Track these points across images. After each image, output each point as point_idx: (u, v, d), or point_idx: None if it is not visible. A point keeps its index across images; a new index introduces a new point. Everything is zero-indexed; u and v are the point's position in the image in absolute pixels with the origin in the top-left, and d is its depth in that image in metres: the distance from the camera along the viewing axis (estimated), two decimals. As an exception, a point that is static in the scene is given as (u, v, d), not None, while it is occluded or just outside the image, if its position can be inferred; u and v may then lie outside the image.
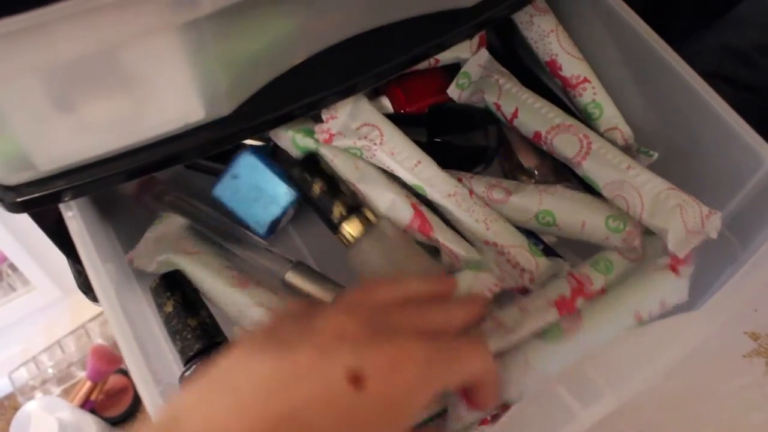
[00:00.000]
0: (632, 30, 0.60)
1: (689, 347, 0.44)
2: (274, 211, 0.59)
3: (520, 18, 0.65)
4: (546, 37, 0.64)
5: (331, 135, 0.57)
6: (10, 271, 1.33)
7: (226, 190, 0.59)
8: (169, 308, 0.55)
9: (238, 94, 0.50)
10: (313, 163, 0.57)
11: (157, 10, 0.39)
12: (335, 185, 0.57)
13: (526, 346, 0.50)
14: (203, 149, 0.51)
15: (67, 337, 1.43)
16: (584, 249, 0.59)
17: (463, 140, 0.62)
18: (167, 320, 0.55)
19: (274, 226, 0.60)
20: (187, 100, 0.47)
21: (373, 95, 0.66)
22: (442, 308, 0.43)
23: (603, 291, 0.54)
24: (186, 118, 0.49)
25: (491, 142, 0.62)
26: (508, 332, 0.50)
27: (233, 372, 0.37)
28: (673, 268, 0.54)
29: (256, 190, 0.58)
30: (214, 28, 0.43)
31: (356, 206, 0.56)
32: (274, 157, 0.62)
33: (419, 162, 0.57)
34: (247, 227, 0.60)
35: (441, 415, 0.50)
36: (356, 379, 0.35)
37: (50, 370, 1.41)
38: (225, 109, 0.50)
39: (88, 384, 1.38)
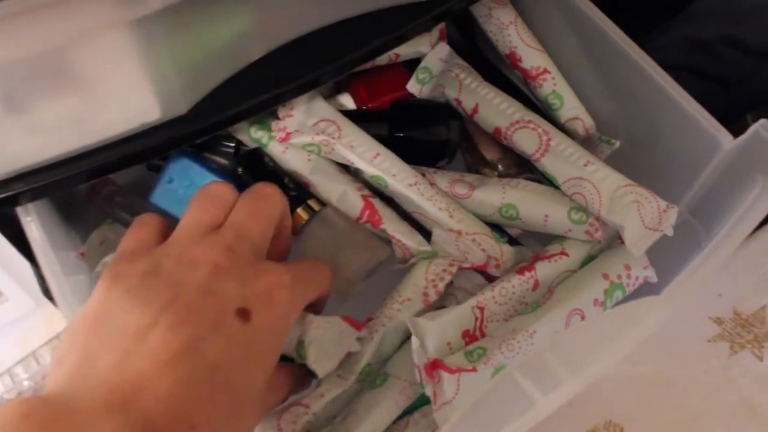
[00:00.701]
0: (590, 20, 0.61)
1: (648, 332, 0.44)
2: None
3: (479, 11, 0.66)
4: (505, 29, 0.64)
5: (288, 133, 0.57)
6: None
7: (163, 197, 0.59)
8: None
9: (194, 92, 0.50)
10: (253, 158, 0.57)
11: (104, 7, 0.39)
12: (278, 179, 0.57)
13: (510, 321, 0.53)
14: (162, 148, 0.51)
15: (42, 348, 1.41)
16: (550, 241, 0.60)
17: (425, 135, 0.62)
18: None
19: None
20: (142, 99, 0.47)
21: (335, 92, 0.66)
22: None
23: (563, 253, 0.57)
24: (142, 117, 0.48)
25: (453, 136, 0.62)
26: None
27: (121, 317, 0.38)
28: (621, 240, 0.56)
29: (193, 190, 0.58)
30: (165, 25, 0.43)
31: (301, 198, 0.57)
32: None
33: (378, 154, 0.57)
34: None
35: (423, 404, 0.51)
36: (243, 313, 0.39)
37: (26, 383, 1.39)
38: (182, 107, 0.49)
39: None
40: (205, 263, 0.40)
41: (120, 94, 0.46)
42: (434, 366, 0.48)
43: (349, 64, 0.54)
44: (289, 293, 0.42)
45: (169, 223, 0.55)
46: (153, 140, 0.49)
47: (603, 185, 0.56)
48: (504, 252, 0.57)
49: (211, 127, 0.51)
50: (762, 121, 0.54)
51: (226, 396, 0.37)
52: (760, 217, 0.54)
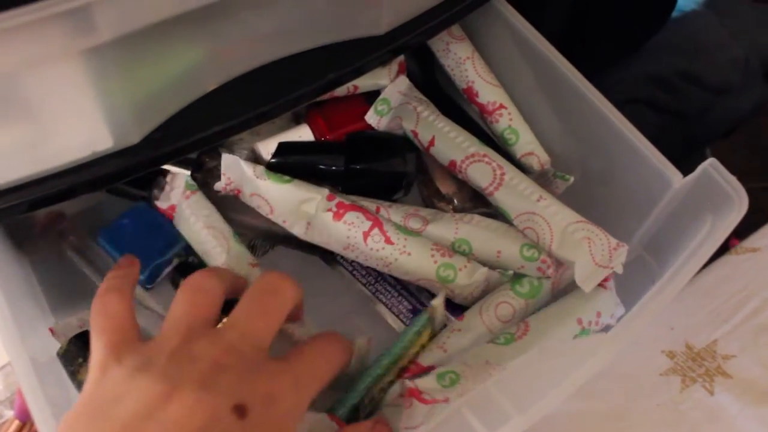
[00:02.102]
0: (545, 58, 0.61)
1: (596, 369, 0.44)
2: (157, 259, 0.59)
3: (437, 45, 0.66)
4: (462, 64, 0.65)
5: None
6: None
7: (111, 238, 0.58)
8: (83, 375, 0.50)
9: (147, 122, 0.49)
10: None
11: (54, 36, 0.39)
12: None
13: (484, 351, 0.53)
14: (112, 178, 0.50)
15: (-6, 373, 1.39)
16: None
17: (381, 167, 0.62)
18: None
19: (156, 275, 0.59)
20: (93, 128, 0.47)
21: (294, 123, 0.66)
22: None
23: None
24: (93, 146, 0.48)
25: (409, 168, 0.62)
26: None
27: (116, 403, 0.38)
28: (601, 284, 0.56)
29: (141, 238, 0.58)
30: (117, 56, 0.43)
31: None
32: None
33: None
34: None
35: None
36: (240, 410, 0.38)
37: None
38: (134, 137, 0.49)
39: (16, 423, 1.34)
40: (205, 359, 0.39)
41: (70, 123, 0.46)
42: (410, 393, 0.48)
43: (304, 97, 0.55)
44: (291, 396, 0.41)
45: (110, 262, 0.55)
46: (103, 169, 0.49)
47: (554, 220, 0.56)
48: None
49: (163, 157, 0.51)
50: (711, 160, 0.55)
51: None
52: (710, 254, 0.54)
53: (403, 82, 0.65)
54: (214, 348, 0.40)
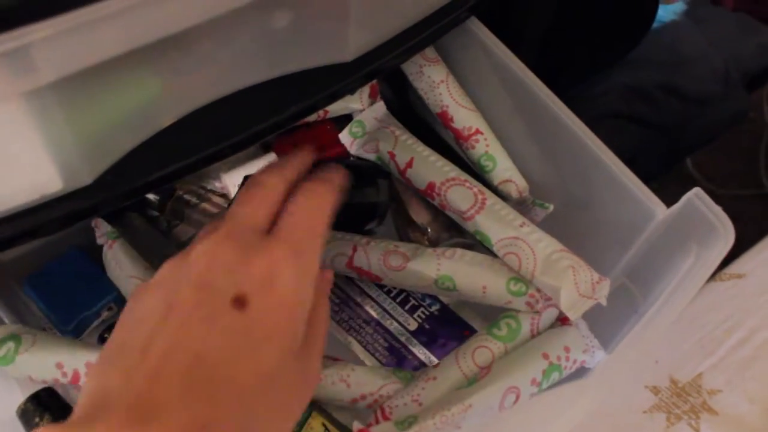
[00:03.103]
0: (521, 81, 0.59)
1: (578, 417, 0.42)
2: (84, 312, 0.56)
3: (410, 68, 0.64)
4: (436, 87, 0.63)
5: None
6: None
7: (38, 286, 0.56)
8: None
9: (99, 162, 0.46)
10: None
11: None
12: None
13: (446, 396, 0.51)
14: (64, 221, 0.47)
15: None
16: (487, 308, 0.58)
17: (354, 197, 0.59)
18: None
19: (83, 328, 0.57)
20: (39, 170, 0.44)
21: (263, 151, 0.63)
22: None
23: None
24: (42, 189, 0.45)
25: (382, 197, 0.60)
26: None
27: (134, 330, 0.39)
28: (563, 321, 0.54)
29: (70, 288, 0.55)
30: (61, 96, 0.40)
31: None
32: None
33: None
34: (56, 324, 0.57)
35: None
36: (239, 302, 0.38)
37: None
38: (86, 178, 0.46)
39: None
40: (200, 258, 0.41)
41: (15, 166, 0.43)
42: None
43: (268, 130, 0.52)
44: (293, 267, 0.41)
45: (36, 311, 0.52)
46: (54, 212, 0.46)
47: (538, 247, 0.54)
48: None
49: (118, 198, 0.48)
50: (695, 189, 0.53)
51: (228, 391, 0.36)
52: (697, 287, 0.53)
53: (381, 108, 0.63)
54: (209, 243, 0.40)
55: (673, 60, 1.14)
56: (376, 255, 0.57)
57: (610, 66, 1.11)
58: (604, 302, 0.53)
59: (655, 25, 1.10)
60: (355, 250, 0.57)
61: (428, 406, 0.50)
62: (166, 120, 0.48)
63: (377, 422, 0.50)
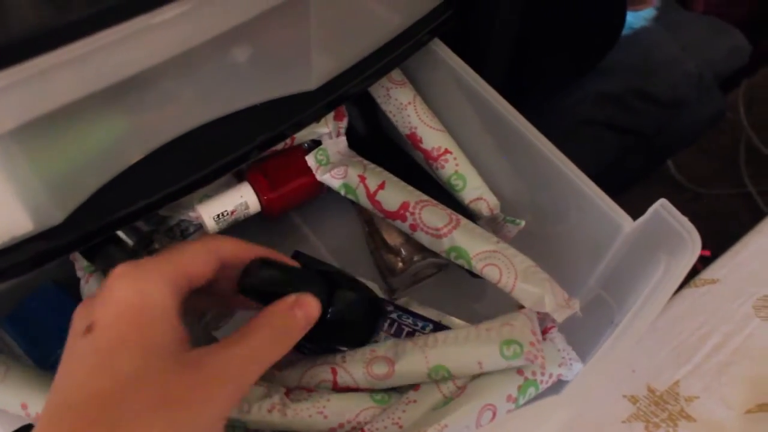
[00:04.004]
0: (486, 101, 0.60)
1: (559, 428, 0.42)
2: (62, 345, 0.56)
3: (377, 91, 0.64)
4: (404, 109, 0.63)
5: None
6: None
7: (16, 322, 0.56)
8: None
9: (68, 201, 0.47)
10: None
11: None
12: None
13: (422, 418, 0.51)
14: (35, 261, 0.47)
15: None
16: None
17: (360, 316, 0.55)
18: None
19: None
20: (8, 212, 0.44)
21: (236, 180, 0.64)
22: None
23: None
24: (11, 231, 0.45)
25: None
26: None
27: None
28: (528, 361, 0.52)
29: (48, 322, 0.56)
30: (23, 141, 0.40)
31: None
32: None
33: None
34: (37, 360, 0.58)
35: None
36: (88, 328, 0.40)
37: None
38: (57, 217, 0.47)
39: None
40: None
41: (-17, 211, 0.43)
42: None
43: (236, 161, 0.52)
44: (128, 276, 0.41)
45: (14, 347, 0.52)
46: (25, 253, 0.46)
47: (516, 260, 0.54)
48: None
49: (88, 236, 0.48)
50: (661, 200, 0.53)
51: (93, 404, 0.37)
52: (668, 295, 0.53)
53: (342, 143, 0.63)
54: None
55: (645, 65, 1.15)
56: (359, 369, 0.54)
57: (583, 74, 1.12)
58: (579, 315, 0.54)
59: (625, 31, 1.11)
60: (335, 372, 0.54)
61: (408, 428, 0.50)
62: (134, 157, 0.49)
63: None
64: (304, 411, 0.51)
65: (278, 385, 0.53)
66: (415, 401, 0.52)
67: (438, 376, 0.52)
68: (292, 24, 0.48)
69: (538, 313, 0.54)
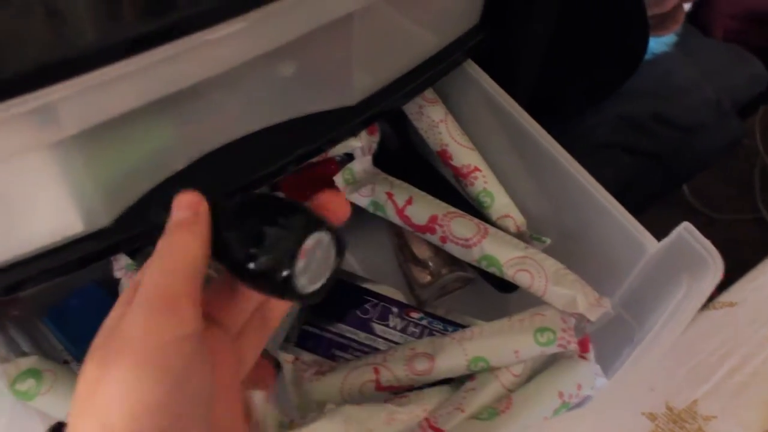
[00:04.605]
0: (516, 121, 0.61)
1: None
2: None
3: (410, 108, 0.66)
4: (435, 127, 0.65)
5: None
6: None
7: (58, 319, 0.57)
8: None
9: (117, 205, 0.49)
10: None
11: (21, 132, 0.38)
12: None
13: (469, 427, 0.53)
14: (84, 261, 0.49)
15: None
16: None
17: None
18: None
19: None
20: (62, 214, 0.46)
21: (270, 190, 0.65)
22: None
23: None
24: (63, 231, 0.47)
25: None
26: None
27: None
28: (581, 355, 0.56)
29: (88, 321, 0.57)
30: (82, 146, 0.42)
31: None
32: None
33: None
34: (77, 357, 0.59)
35: None
36: None
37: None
38: (104, 220, 0.49)
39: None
40: None
41: (39, 210, 0.45)
42: None
43: (274, 173, 0.54)
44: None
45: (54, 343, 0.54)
46: (74, 253, 0.48)
47: (546, 264, 0.57)
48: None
49: (134, 239, 0.50)
50: (684, 224, 0.55)
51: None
52: (689, 317, 0.54)
53: (367, 161, 0.64)
54: None
55: (665, 91, 1.16)
56: (400, 367, 0.57)
57: (604, 98, 1.13)
58: (611, 311, 0.56)
59: (647, 57, 1.12)
60: (377, 371, 0.57)
61: (471, 412, 0.53)
62: (179, 164, 0.50)
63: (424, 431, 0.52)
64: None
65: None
66: (474, 389, 0.54)
67: (477, 368, 0.56)
68: (336, 41, 0.50)
69: (572, 313, 0.56)
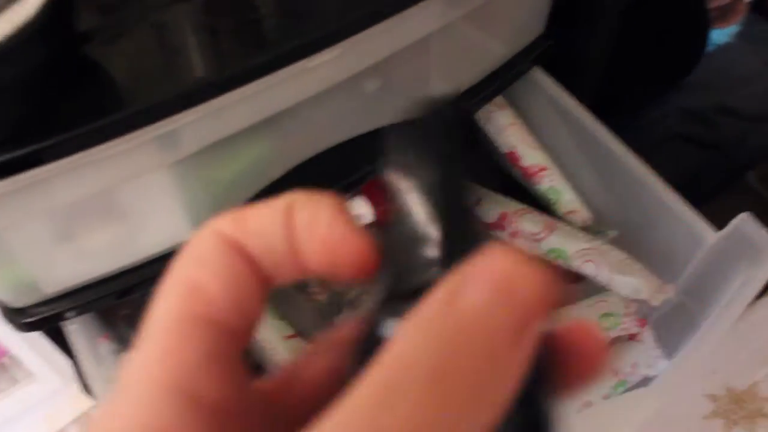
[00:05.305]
0: (582, 123, 0.66)
1: (640, 423, 0.48)
2: None
3: (480, 114, 0.71)
4: (505, 130, 0.70)
5: None
6: (10, 362, 1.35)
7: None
8: None
9: (221, 211, 0.54)
10: None
11: (147, 155, 0.44)
12: None
13: None
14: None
15: (70, 426, 1.45)
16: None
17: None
18: None
19: None
20: (176, 223, 0.52)
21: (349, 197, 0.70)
22: None
23: None
24: (175, 238, 0.53)
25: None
26: None
27: None
28: (631, 337, 0.60)
29: None
30: (196, 162, 0.48)
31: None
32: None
33: None
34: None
35: None
36: None
37: (54, 458, 1.42)
38: (211, 225, 0.54)
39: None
40: None
41: (157, 221, 0.51)
42: None
43: (359, 180, 0.59)
44: None
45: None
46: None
47: (611, 255, 0.61)
48: None
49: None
50: (743, 215, 0.58)
51: None
52: (745, 303, 0.58)
53: None
54: None
55: (727, 81, 1.18)
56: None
57: (668, 90, 1.15)
58: (674, 298, 0.60)
59: (709, 48, 1.14)
60: None
61: None
62: (276, 172, 0.56)
63: None
64: None
65: None
66: None
67: None
68: (415, 58, 0.55)
69: (635, 300, 0.60)
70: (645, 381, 0.60)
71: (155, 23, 0.45)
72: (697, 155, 1.17)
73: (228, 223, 0.22)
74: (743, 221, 0.59)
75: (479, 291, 0.16)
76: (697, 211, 0.61)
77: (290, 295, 0.65)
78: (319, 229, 0.19)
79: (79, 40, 0.43)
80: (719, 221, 0.60)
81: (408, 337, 0.16)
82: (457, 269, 0.16)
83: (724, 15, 1.18)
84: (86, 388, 0.68)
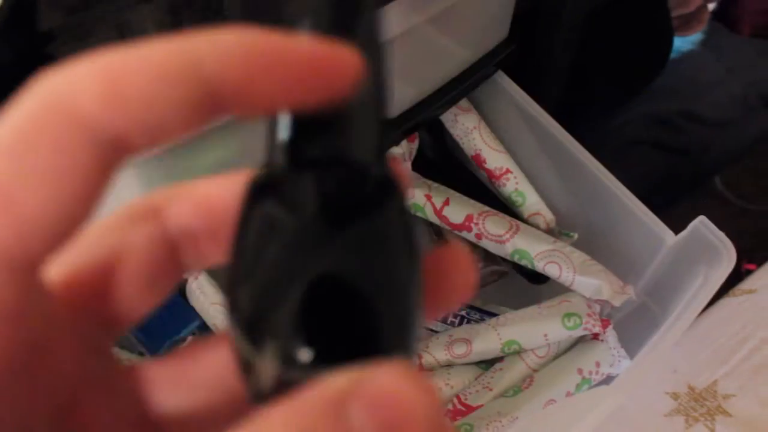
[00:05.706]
0: (545, 127, 0.67)
1: (599, 419, 0.49)
2: (174, 336, 0.64)
3: (445, 116, 0.71)
4: (470, 133, 0.70)
5: None
6: None
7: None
8: None
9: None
10: None
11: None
12: None
13: (496, 404, 0.60)
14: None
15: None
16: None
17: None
18: None
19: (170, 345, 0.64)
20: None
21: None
22: None
23: None
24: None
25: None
26: None
27: None
28: (595, 336, 0.61)
29: (159, 315, 0.63)
30: (158, 164, 0.48)
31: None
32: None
33: None
34: (149, 348, 0.64)
35: None
36: None
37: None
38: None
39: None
40: None
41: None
42: None
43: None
44: None
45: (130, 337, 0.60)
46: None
47: (573, 256, 0.63)
48: None
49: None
50: (700, 217, 0.60)
51: None
52: (704, 303, 0.59)
53: (407, 167, 0.70)
54: None
55: (691, 88, 1.20)
56: (440, 351, 0.64)
57: (632, 97, 1.17)
58: (634, 297, 0.62)
59: (673, 55, 1.16)
60: (420, 356, 0.64)
61: (499, 391, 0.60)
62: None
63: (455, 408, 0.59)
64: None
65: None
66: (501, 369, 0.61)
67: (510, 350, 0.62)
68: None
69: (597, 300, 0.62)
70: (608, 380, 0.62)
71: (119, 23, 0.46)
72: (664, 160, 1.19)
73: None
74: (701, 223, 0.60)
75: (364, 420, 0.14)
76: (663, 215, 0.63)
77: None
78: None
79: (42, 39, 0.43)
80: (686, 224, 0.62)
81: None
82: (346, 372, 0.14)
83: (687, 23, 1.21)
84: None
